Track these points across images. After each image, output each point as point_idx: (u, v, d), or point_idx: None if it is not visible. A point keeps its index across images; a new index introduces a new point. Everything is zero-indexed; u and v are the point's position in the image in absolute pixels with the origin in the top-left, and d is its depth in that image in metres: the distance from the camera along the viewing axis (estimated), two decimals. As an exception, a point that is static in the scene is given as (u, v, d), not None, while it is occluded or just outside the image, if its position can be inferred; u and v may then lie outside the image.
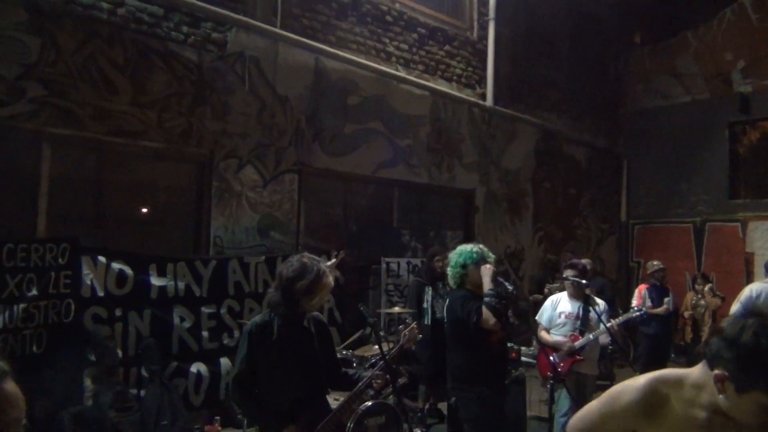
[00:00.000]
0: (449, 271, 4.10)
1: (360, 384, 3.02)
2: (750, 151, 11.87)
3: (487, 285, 3.83)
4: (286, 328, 2.96)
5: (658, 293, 8.10)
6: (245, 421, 5.09)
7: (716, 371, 1.45)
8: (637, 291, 8.34)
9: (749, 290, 6.66)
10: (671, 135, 12.29)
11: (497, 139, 10.32)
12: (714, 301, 8.30)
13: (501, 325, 3.72)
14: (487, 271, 3.90)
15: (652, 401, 1.56)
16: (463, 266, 3.98)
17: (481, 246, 4.08)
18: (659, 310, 7.89)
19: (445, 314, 4.19)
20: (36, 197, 5.72)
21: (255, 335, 2.96)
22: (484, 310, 3.68)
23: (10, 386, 1.13)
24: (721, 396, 1.45)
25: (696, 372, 1.57)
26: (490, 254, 4.07)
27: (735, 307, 6.60)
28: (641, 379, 1.61)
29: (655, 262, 8.40)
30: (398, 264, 8.06)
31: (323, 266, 3.01)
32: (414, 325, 3.23)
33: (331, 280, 3.01)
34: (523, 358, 6.22)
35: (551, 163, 11.48)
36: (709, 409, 1.51)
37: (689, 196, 12.14)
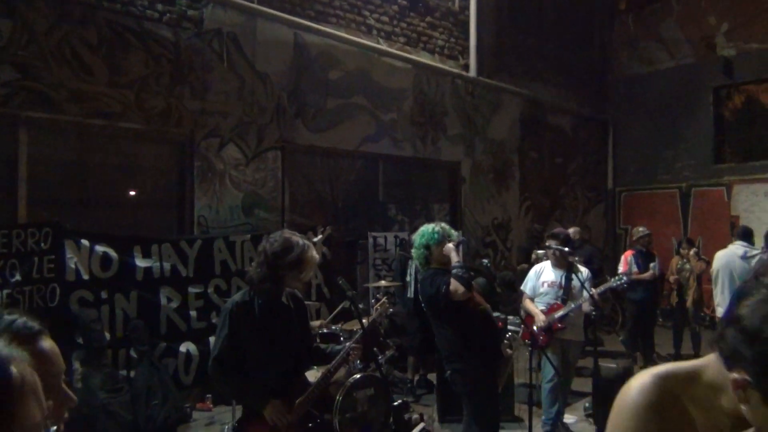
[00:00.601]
0: (414, 252, 4.14)
1: (337, 358, 3.04)
2: (735, 114, 11.89)
3: (454, 259, 3.88)
4: (266, 305, 2.97)
5: (644, 259, 8.16)
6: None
7: (734, 375, 1.08)
8: (623, 257, 8.40)
9: (716, 260, 6.78)
10: (657, 101, 12.29)
11: (482, 110, 10.29)
12: (699, 265, 8.36)
13: (471, 295, 3.75)
14: (450, 247, 3.95)
15: (661, 402, 1.24)
16: (426, 247, 4.02)
17: (442, 225, 4.10)
18: (645, 275, 7.96)
19: (420, 296, 4.23)
20: (15, 182, 5.68)
21: (236, 314, 2.96)
22: (452, 281, 3.73)
23: (48, 343, 1.16)
24: (743, 406, 1.09)
25: (711, 368, 1.23)
26: (453, 232, 4.12)
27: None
28: (645, 377, 1.27)
29: (640, 228, 8.45)
30: (385, 238, 8.08)
31: (307, 240, 3.02)
32: (384, 299, 3.26)
33: (315, 254, 3.01)
34: (510, 327, 6.27)
35: (537, 132, 11.46)
36: (733, 417, 1.16)
37: (675, 162, 12.19)
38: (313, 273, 6.30)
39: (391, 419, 4.83)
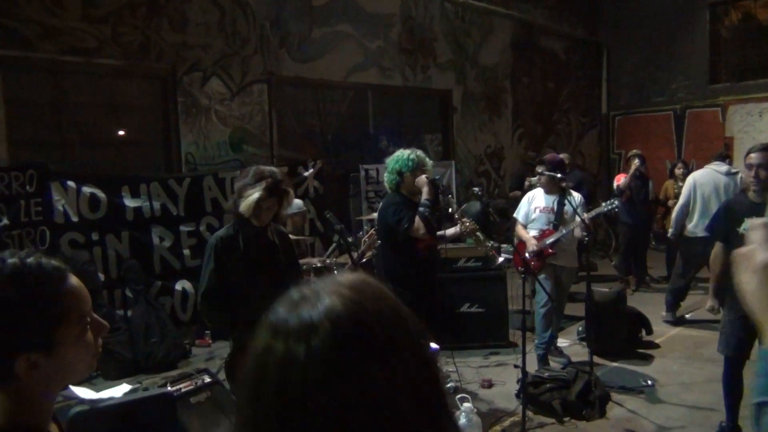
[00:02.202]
0: (385, 176, 4.09)
1: None
2: (731, 32, 11.60)
3: (425, 194, 3.84)
4: (251, 239, 2.93)
5: (636, 182, 8.14)
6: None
7: None
8: (615, 180, 8.38)
9: (692, 179, 6.70)
10: (652, 20, 11.94)
11: (472, 35, 9.99)
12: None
13: (430, 236, 3.77)
14: (424, 180, 3.88)
15: None
16: (399, 173, 3.97)
17: (419, 153, 4.02)
18: (627, 177, 7.96)
19: (377, 217, 4.24)
20: (-7, 125, 5.52)
21: (220, 248, 2.94)
22: (417, 219, 3.71)
23: (75, 280, 1.17)
24: None
25: None
26: (428, 161, 4.04)
27: (680, 202, 6.69)
28: None
29: (633, 151, 8.43)
30: (377, 170, 7.97)
31: (278, 171, 2.96)
32: (372, 231, 3.22)
33: (256, 194, 2.85)
34: (504, 255, 6.29)
35: (529, 57, 11.19)
36: None
37: (669, 84, 11.99)
38: (305, 207, 6.32)
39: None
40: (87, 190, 5.67)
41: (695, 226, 6.54)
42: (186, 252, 6.30)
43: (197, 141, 6.73)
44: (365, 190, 7.94)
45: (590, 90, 12.75)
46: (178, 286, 6.22)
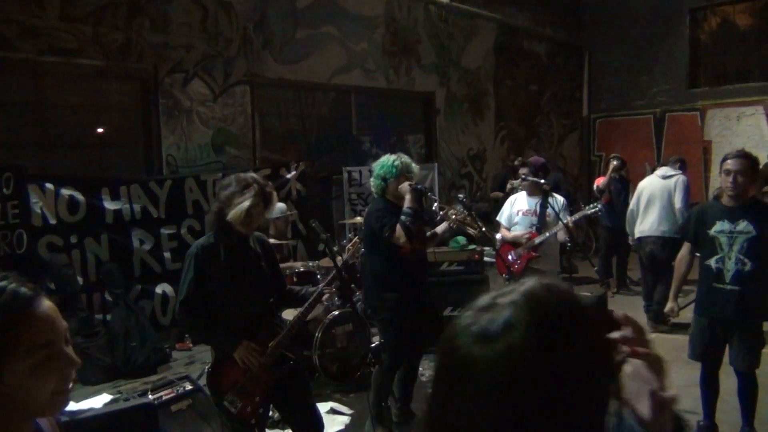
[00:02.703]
0: (371, 181, 4.10)
1: (310, 299, 3.01)
2: (710, 37, 11.76)
3: (407, 203, 3.84)
4: (232, 248, 2.91)
5: (616, 185, 8.22)
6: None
7: None
8: (595, 182, 8.47)
9: (639, 185, 7.12)
10: (633, 24, 12.06)
11: (456, 37, 10.02)
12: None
13: (411, 244, 3.78)
14: (406, 188, 3.89)
15: None
16: (383, 179, 3.97)
17: (404, 159, 4.03)
18: (606, 177, 8.11)
19: (363, 223, 4.25)
20: (-30, 126, 5.42)
21: (201, 258, 2.91)
22: (398, 227, 3.72)
23: (41, 309, 1.09)
24: None
25: None
26: (413, 166, 4.06)
27: (629, 207, 7.07)
28: None
29: (613, 155, 8.54)
30: (360, 172, 7.97)
31: (248, 191, 2.90)
32: (356, 239, 3.21)
33: (246, 203, 2.84)
34: (486, 258, 6.32)
35: (512, 60, 11.25)
36: None
37: (649, 88, 12.12)
38: (289, 210, 6.29)
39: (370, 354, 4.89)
40: (66, 192, 5.58)
41: (640, 230, 6.87)
42: (167, 255, 6.24)
43: (179, 143, 6.66)
44: (348, 192, 7.93)
45: (572, 93, 12.86)
46: (159, 290, 6.16)
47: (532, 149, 11.37)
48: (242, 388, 2.90)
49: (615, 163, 8.17)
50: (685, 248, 4.11)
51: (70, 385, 1.14)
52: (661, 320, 6.62)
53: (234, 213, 2.81)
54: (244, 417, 2.92)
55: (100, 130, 6.47)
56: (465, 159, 10.35)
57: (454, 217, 4.16)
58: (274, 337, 2.92)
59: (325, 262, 6.07)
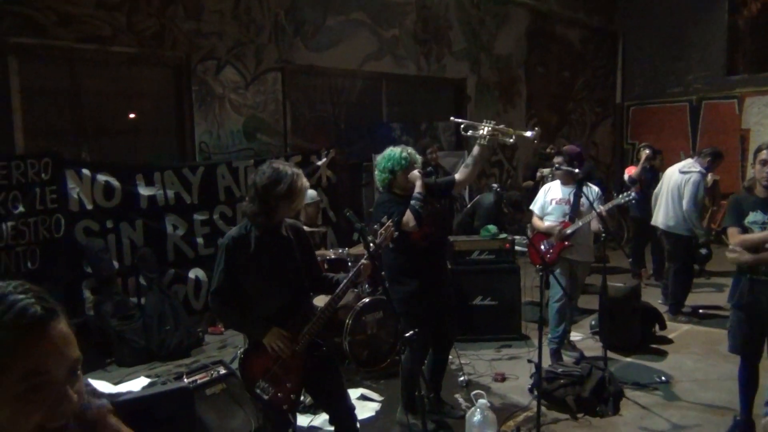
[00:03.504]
0: (376, 174, 4.07)
1: (342, 285, 3.02)
2: (749, 23, 11.42)
3: (417, 188, 3.83)
4: (263, 238, 2.92)
5: (647, 176, 8.06)
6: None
7: None
8: (627, 172, 8.31)
9: (665, 175, 7.00)
10: (668, 10, 11.77)
11: (487, 23, 9.89)
12: (706, 181, 8.25)
13: (420, 229, 3.74)
14: (416, 175, 3.87)
15: None
16: (391, 171, 3.95)
17: (410, 151, 4.01)
18: (638, 167, 7.93)
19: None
20: (10, 113, 5.53)
21: (232, 248, 2.93)
22: (407, 213, 3.71)
23: (53, 332, 0.99)
24: None
25: None
26: (418, 158, 4.03)
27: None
28: None
29: (644, 143, 8.40)
30: (390, 160, 7.94)
31: (296, 169, 2.94)
32: (389, 222, 3.19)
33: (305, 182, 2.93)
34: (517, 248, 6.27)
35: (544, 46, 11.07)
36: None
37: (686, 75, 11.83)
38: (319, 197, 6.31)
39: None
40: (102, 178, 5.69)
41: (654, 219, 6.86)
42: (199, 240, 6.32)
43: (211, 130, 6.72)
44: (378, 180, 7.91)
45: (605, 79, 12.62)
46: (192, 275, 6.25)
47: (563, 137, 11.22)
48: (274, 375, 2.93)
49: (647, 152, 8.00)
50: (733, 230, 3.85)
51: (67, 424, 1.00)
52: (677, 312, 6.54)
53: (300, 198, 2.88)
54: (276, 403, 2.94)
55: (133, 116, 6.56)
56: (495, 147, 10.25)
57: (483, 131, 4.09)
58: (305, 324, 2.93)
59: (356, 249, 6.09)
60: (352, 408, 3.14)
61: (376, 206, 4.06)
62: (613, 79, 12.75)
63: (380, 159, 4.06)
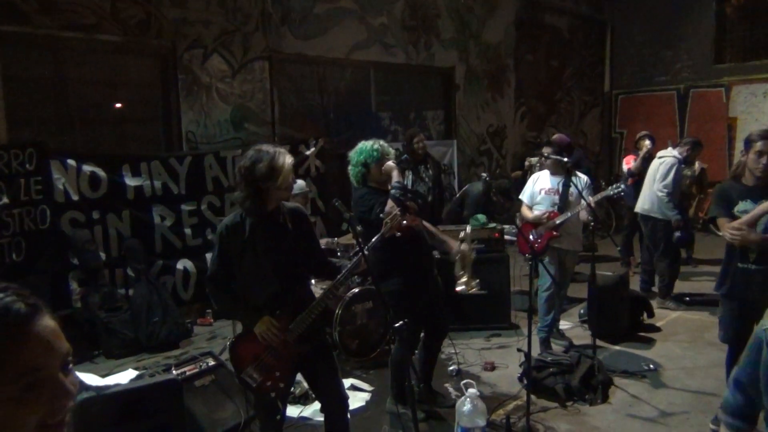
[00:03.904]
0: (350, 169, 4.04)
1: (342, 273, 3.00)
2: (737, 11, 11.45)
3: (395, 178, 3.81)
4: (257, 225, 2.90)
5: (645, 165, 8.05)
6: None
7: None
8: (625, 163, 8.29)
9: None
10: (657, -2, 11.78)
11: (476, 11, 9.85)
12: (693, 169, 8.27)
13: (404, 216, 3.72)
14: (391, 166, 3.86)
15: None
16: (365, 165, 3.92)
17: (381, 143, 3.98)
18: (638, 160, 7.89)
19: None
20: (-8, 102, 5.43)
21: (225, 236, 2.91)
22: (389, 202, 3.68)
23: (37, 330, 0.96)
24: None
25: None
26: (390, 150, 4.01)
27: None
28: None
29: (642, 132, 8.35)
30: (379, 149, 7.90)
31: (279, 148, 2.91)
32: (396, 212, 3.16)
33: (287, 159, 2.88)
34: (506, 237, 6.27)
35: (533, 35, 11.05)
36: None
37: (674, 63, 11.87)
38: (308, 187, 6.27)
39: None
40: (87, 168, 5.62)
41: (636, 206, 6.86)
42: (187, 231, 6.27)
43: (198, 119, 6.65)
44: (367, 170, 7.88)
45: (594, 68, 12.63)
46: (180, 265, 6.21)
47: (552, 126, 11.23)
48: (263, 363, 2.91)
49: (648, 143, 7.92)
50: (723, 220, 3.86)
51: (65, 418, 0.99)
52: (666, 296, 6.58)
53: (282, 175, 2.82)
54: (264, 391, 2.93)
55: (119, 106, 6.47)
56: (484, 135, 10.24)
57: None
58: (299, 312, 2.92)
59: (345, 239, 6.07)
60: (345, 398, 3.13)
61: (355, 202, 4.02)
62: (601, 67, 12.76)
63: (353, 154, 4.03)
